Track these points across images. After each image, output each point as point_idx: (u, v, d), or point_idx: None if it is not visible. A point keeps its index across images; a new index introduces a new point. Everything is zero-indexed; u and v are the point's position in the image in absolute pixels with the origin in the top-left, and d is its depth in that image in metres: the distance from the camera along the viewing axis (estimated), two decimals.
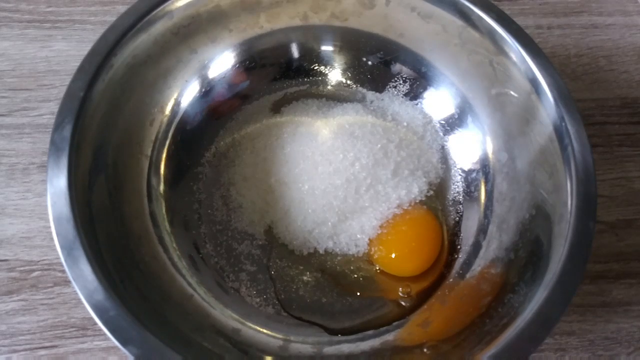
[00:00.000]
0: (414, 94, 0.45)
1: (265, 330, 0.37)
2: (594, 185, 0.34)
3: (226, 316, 0.37)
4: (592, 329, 0.41)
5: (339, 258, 0.41)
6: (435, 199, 0.43)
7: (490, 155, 0.42)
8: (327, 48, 0.46)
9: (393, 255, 0.40)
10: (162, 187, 0.41)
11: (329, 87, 0.47)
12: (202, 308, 0.37)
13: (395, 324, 0.38)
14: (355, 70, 0.46)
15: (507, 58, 0.38)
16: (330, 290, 0.40)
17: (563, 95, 0.36)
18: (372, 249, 0.41)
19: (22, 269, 0.41)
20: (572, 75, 0.50)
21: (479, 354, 0.31)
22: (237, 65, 0.44)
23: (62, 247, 0.31)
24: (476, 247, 0.40)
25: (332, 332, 0.38)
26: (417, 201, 0.42)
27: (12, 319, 0.39)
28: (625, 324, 0.41)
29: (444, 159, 0.44)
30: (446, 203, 0.43)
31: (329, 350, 0.36)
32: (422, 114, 0.45)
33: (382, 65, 0.45)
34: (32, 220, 0.42)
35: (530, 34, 0.38)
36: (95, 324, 0.30)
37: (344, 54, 0.46)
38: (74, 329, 0.39)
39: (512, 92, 0.39)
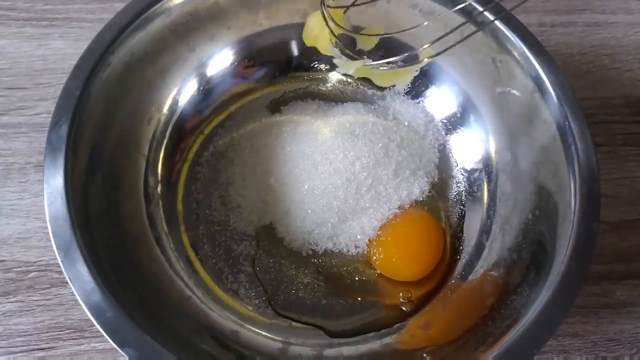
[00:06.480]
0: (415, 93, 0.45)
1: (264, 333, 0.37)
2: (598, 185, 0.33)
3: (224, 318, 0.37)
4: (595, 331, 0.40)
5: (338, 259, 0.41)
6: (437, 199, 0.43)
7: (493, 154, 0.42)
8: None
9: (393, 260, 0.40)
10: (159, 187, 0.41)
11: (329, 85, 0.46)
12: (200, 310, 0.37)
13: (396, 326, 0.38)
14: None
15: (510, 56, 0.38)
16: (330, 292, 0.39)
17: (566, 94, 0.36)
18: (372, 251, 0.40)
19: (18, 269, 0.40)
20: (575, 73, 0.49)
21: (482, 356, 0.30)
22: (236, 63, 0.44)
23: (58, 248, 0.31)
24: (479, 248, 0.40)
25: (332, 334, 0.38)
26: (419, 201, 0.42)
27: (9, 320, 0.39)
28: (628, 325, 0.41)
29: (446, 158, 0.44)
30: (448, 203, 0.43)
31: (329, 352, 0.36)
32: (424, 113, 0.45)
33: None
34: (29, 221, 0.42)
35: (533, 31, 0.38)
36: (93, 325, 0.30)
37: None
38: (71, 330, 0.39)
39: (515, 91, 0.39)
